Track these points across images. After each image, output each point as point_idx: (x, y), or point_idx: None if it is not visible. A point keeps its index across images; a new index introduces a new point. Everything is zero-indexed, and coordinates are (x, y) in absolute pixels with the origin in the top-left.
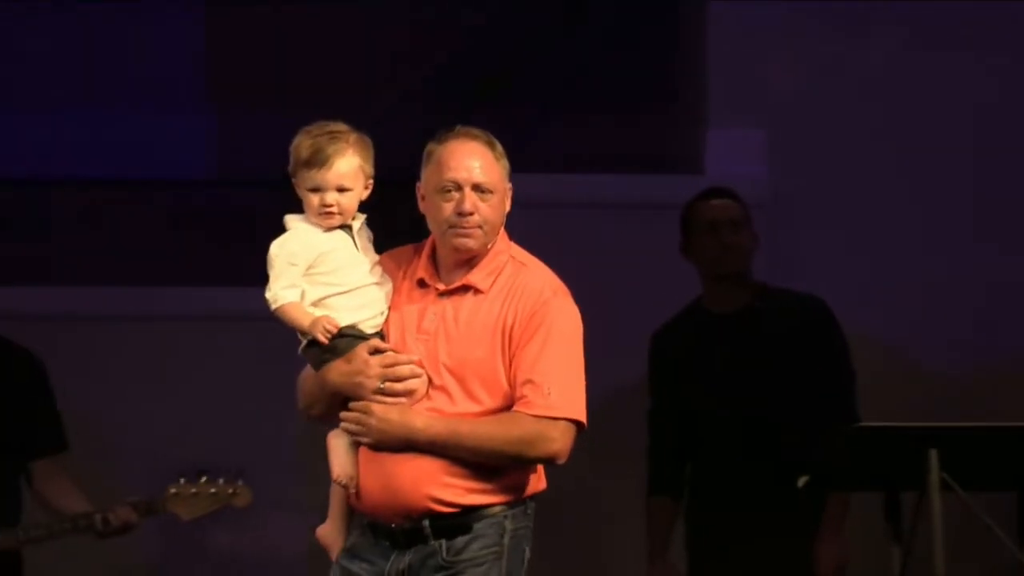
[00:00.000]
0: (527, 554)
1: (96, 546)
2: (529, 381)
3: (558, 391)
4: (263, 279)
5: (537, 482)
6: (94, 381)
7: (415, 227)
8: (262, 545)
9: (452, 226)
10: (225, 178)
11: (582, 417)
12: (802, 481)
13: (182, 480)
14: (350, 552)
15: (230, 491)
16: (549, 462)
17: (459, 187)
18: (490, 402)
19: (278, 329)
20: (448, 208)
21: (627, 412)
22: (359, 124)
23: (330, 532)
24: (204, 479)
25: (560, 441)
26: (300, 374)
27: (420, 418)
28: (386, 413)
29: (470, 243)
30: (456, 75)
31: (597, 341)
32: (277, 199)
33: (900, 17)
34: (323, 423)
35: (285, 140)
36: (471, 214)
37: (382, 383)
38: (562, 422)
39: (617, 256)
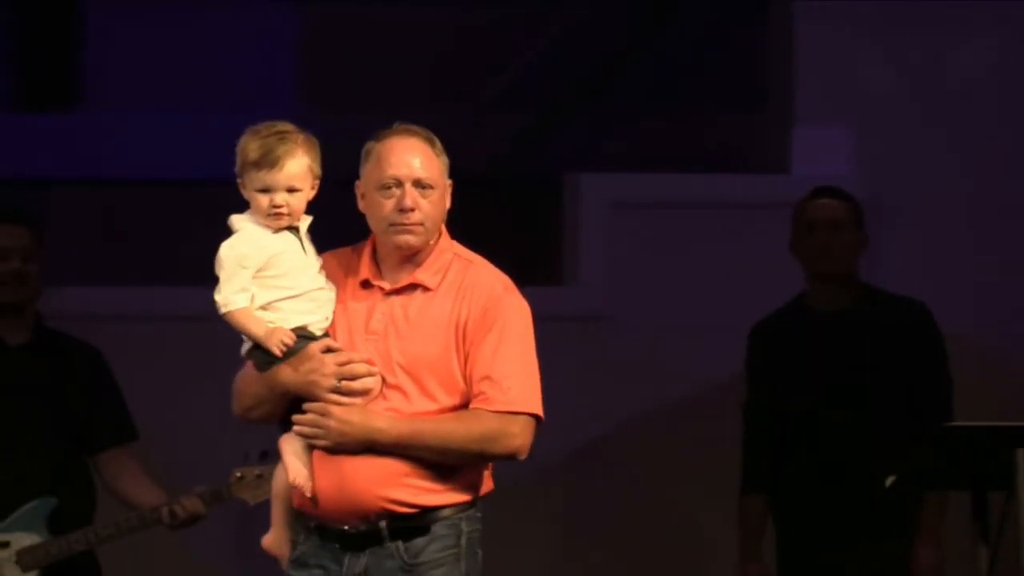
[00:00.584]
0: (480, 556)
1: (168, 537)
2: (487, 378)
3: (516, 387)
4: None
5: (487, 483)
6: (160, 375)
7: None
8: None
9: (393, 223)
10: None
11: (540, 411)
12: (889, 481)
13: (246, 463)
14: (298, 562)
15: (256, 474)
16: (511, 458)
17: (400, 184)
18: (446, 399)
19: None
20: (389, 205)
21: (721, 410)
22: (454, 125)
23: (275, 540)
24: (267, 461)
25: (521, 436)
26: (237, 375)
27: (382, 419)
28: (347, 415)
29: (412, 240)
30: (549, 76)
31: (683, 338)
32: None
33: (998, 16)
34: (262, 425)
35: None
36: (412, 210)
37: (338, 382)
38: (522, 417)
39: (702, 256)
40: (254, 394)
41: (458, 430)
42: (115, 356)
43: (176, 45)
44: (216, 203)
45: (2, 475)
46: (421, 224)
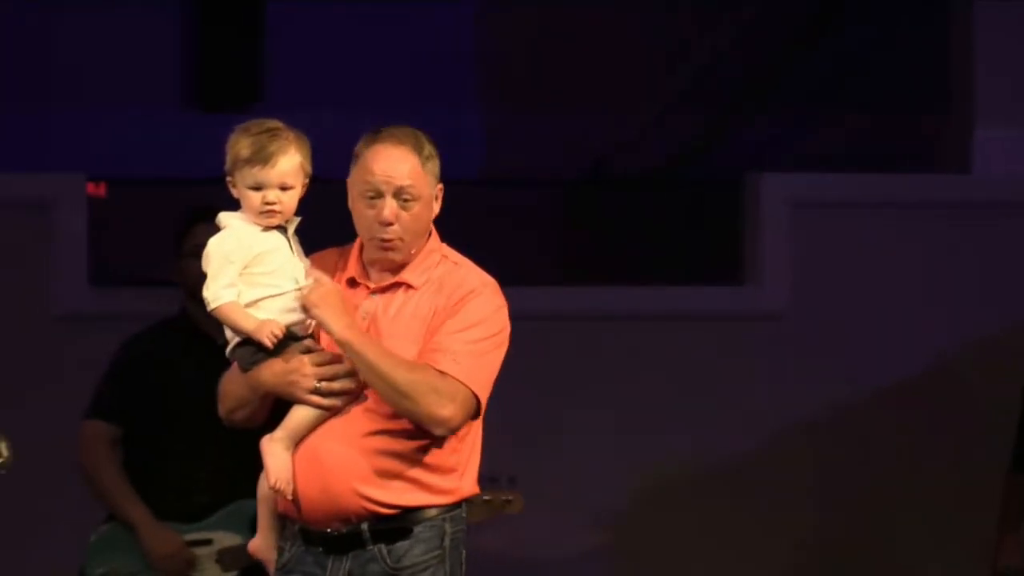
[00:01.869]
0: (464, 556)
1: None
2: (438, 349)
3: (467, 362)
4: (539, 279)
5: (471, 486)
6: None
7: (697, 222)
8: (528, 547)
9: (372, 237)
10: (494, 177)
11: (483, 396)
12: None
13: (494, 486)
14: (284, 569)
15: (504, 499)
16: (435, 424)
17: (381, 194)
18: None
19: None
20: (370, 215)
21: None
22: (634, 124)
23: (262, 545)
24: (516, 486)
25: (454, 406)
26: (222, 377)
27: (348, 316)
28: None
29: (393, 256)
30: (729, 74)
31: (863, 338)
32: (545, 198)
33: None
34: (246, 427)
35: (552, 140)
36: (391, 224)
37: (318, 383)
38: (464, 389)
39: (882, 256)
40: (237, 396)
41: (399, 365)
42: None
43: (356, 43)
44: None
45: (208, 473)
46: (400, 239)
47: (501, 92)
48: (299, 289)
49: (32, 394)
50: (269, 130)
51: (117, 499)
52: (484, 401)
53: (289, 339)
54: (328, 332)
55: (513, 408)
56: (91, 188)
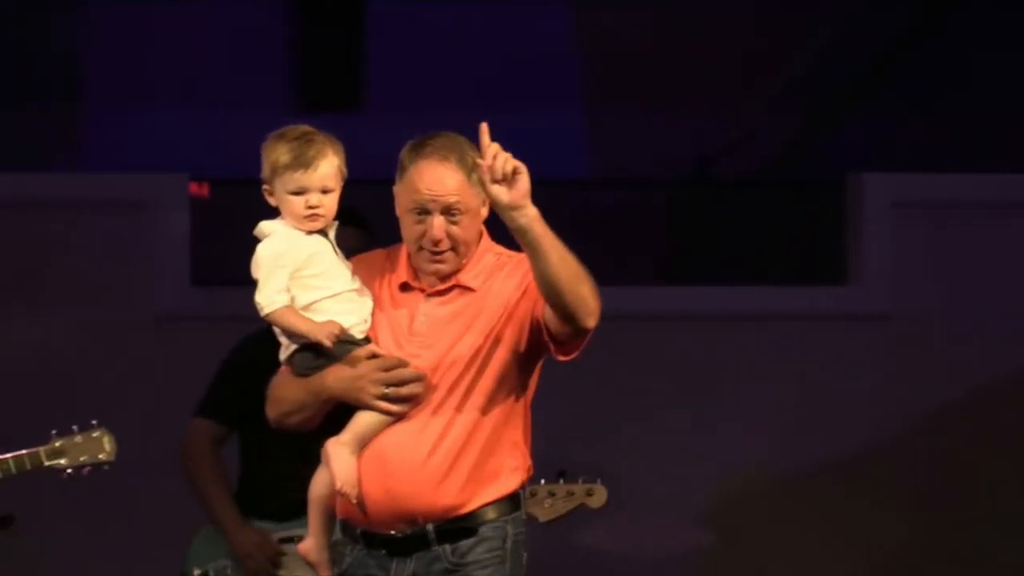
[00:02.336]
0: (525, 560)
1: None
2: None
3: None
4: (642, 280)
5: (524, 471)
6: None
7: (800, 222)
8: (628, 546)
9: (421, 249)
10: (597, 178)
11: None
12: None
13: (541, 481)
14: (345, 573)
15: (587, 491)
16: (592, 315)
17: (428, 211)
18: (492, 397)
19: (661, 330)
20: (418, 231)
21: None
22: (736, 125)
23: (312, 547)
24: (562, 480)
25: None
26: (273, 380)
27: (532, 208)
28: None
29: (443, 268)
30: (825, 75)
31: (965, 338)
32: (647, 198)
33: None
34: (298, 430)
35: (655, 141)
36: (440, 241)
37: (385, 388)
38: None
39: (984, 256)
40: (294, 400)
41: (576, 261)
42: None
43: (459, 43)
44: None
45: (308, 472)
46: (452, 250)
47: (604, 93)
48: (353, 290)
49: (134, 394)
50: (305, 135)
51: (208, 498)
52: None
53: (348, 343)
54: (522, 211)
55: (615, 408)
56: (194, 188)
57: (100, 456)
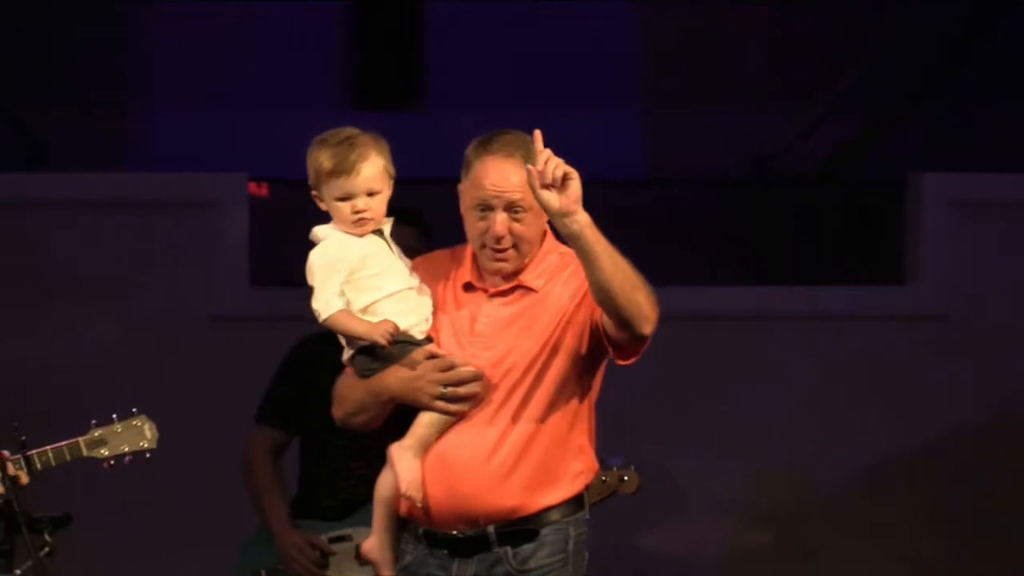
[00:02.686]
0: (586, 559)
1: None
2: None
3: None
4: (701, 279)
5: (588, 473)
6: None
7: (859, 221)
8: (684, 545)
9: (484, 246)
10: (655, 177)
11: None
12: None
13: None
14: (407, 571)
15: (620, 478)
16: (649, 322)
17: (492, 208)
18: (552, 399)
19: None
20: (481, 227)
21: None
22: (796, 124)
23: (376, 547)
24: (608, 466)
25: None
26: (338, 380)
27: (584, 215)
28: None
29: (505, 267)
30: (886, 74)
31: None
32: (706, 197)
33: None
34: (363, 430)
35: (714, 140)
36: (502, 238)
37: (444, 388)
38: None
39: None
40: (356, 400)
41: (630, 266)
42: None
43: (516, 43)
44: None
45: (364, 471)
46: (514, 248)
47: (663, 91)
48: (411, 288)
49: (193, 394)
50: (347, 139)
51: (261, 502)
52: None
53: (408, 343)
54: (573, 217)
55: (670, 406)
56: (253, 188)
57: (142, 444)
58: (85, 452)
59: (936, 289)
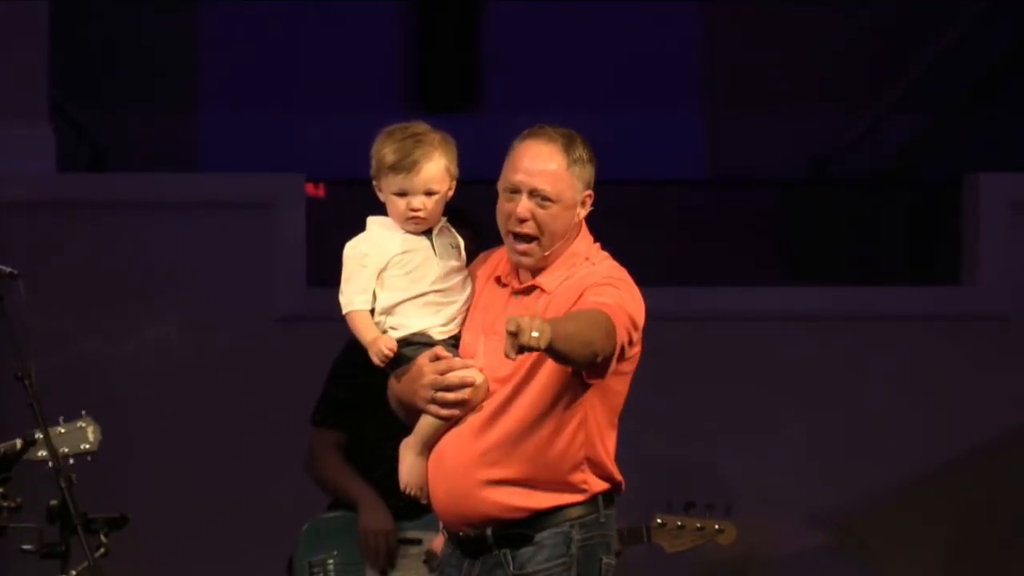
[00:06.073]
0: (605, 562)
1: None
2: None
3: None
4: (759, 279)
5: (606, 479)
6: None
7: (916, 222)
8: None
9: (508, 231)
10: (715, 178)
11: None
12: None
13: (669, 511)
14: (439, 568)
15: (716, 527)
16: (599, 356)
17: (519, 190)
18: (554, 400)
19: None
20: (507, 209)
21: None
22: (852, 126)
23: (442, 544)
24: (691, 512)
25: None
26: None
27: (543, 338)
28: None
29: (525, 260)
30: (944, 76)
31: None
32: (764, 198)
33: None
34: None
35: (773, 141)
36: (524, 220)
37: (435, 392)
38: (623, 316)
39: None
40: (393, 400)
41: (579, 323)
42: None
43: (576, 43)
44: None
45: None
46: (536, 237)
47: (722, 92)
48: (438, 291)
49: (253, 394)
50: (414, 135)
51: (341, 484)
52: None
53: (424, 345)
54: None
55: (735, 406)
56: (310, 189)
57: (83, 447)
58: (24, 454)
59: (993, 290)
